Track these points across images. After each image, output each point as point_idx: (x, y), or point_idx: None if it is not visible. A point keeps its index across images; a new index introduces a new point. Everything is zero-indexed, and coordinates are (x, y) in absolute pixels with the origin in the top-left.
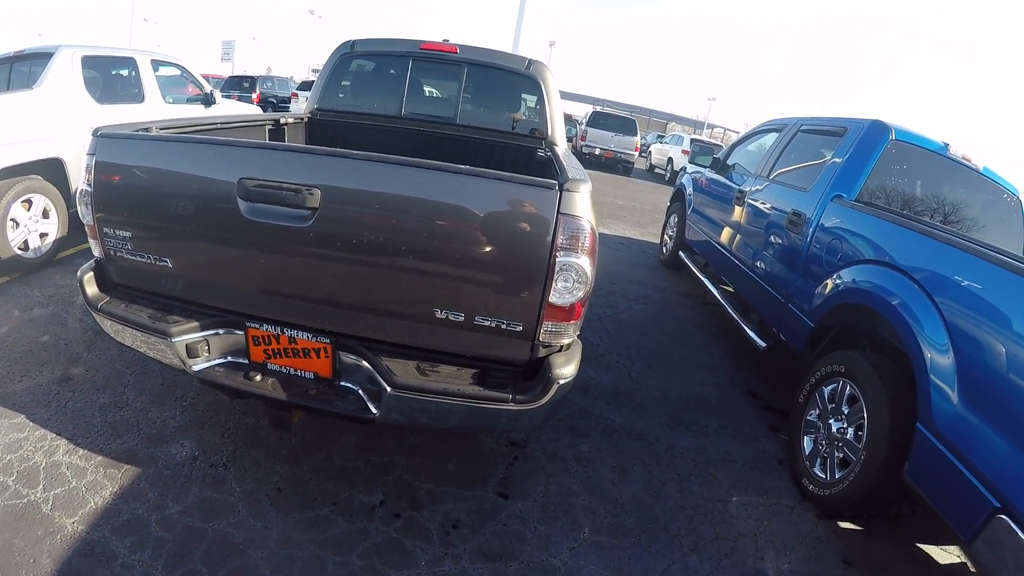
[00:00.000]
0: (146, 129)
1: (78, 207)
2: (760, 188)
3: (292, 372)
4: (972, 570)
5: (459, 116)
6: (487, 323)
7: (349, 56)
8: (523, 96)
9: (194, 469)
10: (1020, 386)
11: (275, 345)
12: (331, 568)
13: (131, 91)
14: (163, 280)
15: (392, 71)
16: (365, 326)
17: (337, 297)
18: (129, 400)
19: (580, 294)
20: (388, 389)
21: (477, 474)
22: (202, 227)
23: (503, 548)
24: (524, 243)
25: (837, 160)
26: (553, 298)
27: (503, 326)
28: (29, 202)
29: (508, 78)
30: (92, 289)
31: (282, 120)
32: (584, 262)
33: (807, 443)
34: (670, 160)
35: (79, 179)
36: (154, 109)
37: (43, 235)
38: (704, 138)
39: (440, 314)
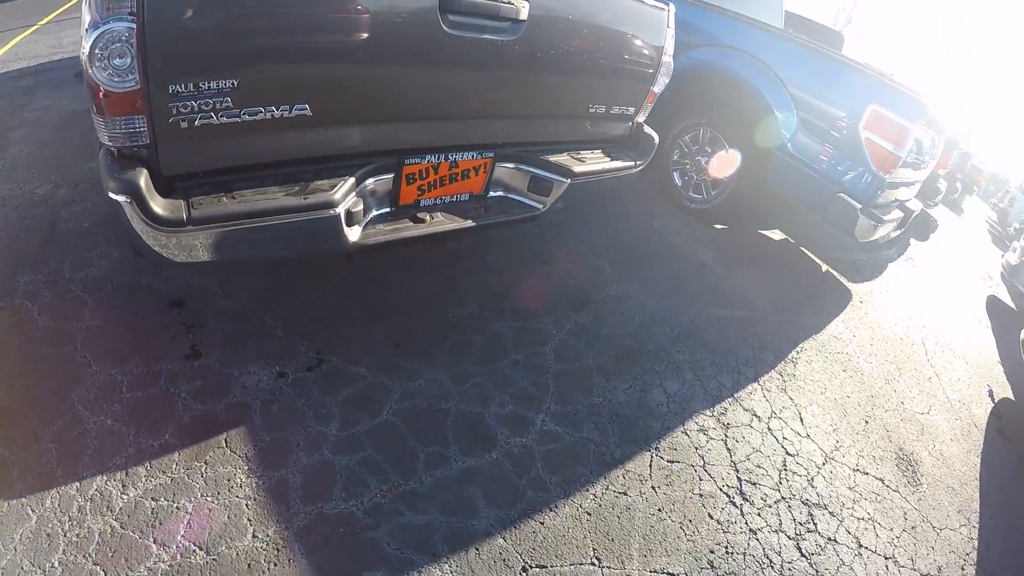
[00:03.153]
0: None
1: (94, 71)
2: None
3: (450, 199)
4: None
5: None
6: (616, 110)
7: None
8: None
9: (282, 385)
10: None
11: (432, 177)
12: (518, 377)
13: None
14: (281, 139)
15: None
16: (523, 133)
17: (507, 110)
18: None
19: (666, 81)
20: (566, 181)
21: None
22: (369, 50)
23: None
24: (650, 47)
25: None
26: (654, 87)
27: (625, 111)
28: None
29: None
30: (160, 202)
31: None
32: (671, 60)
33: (677, 178)
34: None
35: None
36: None
37: None
38: None
39: (592, 108)
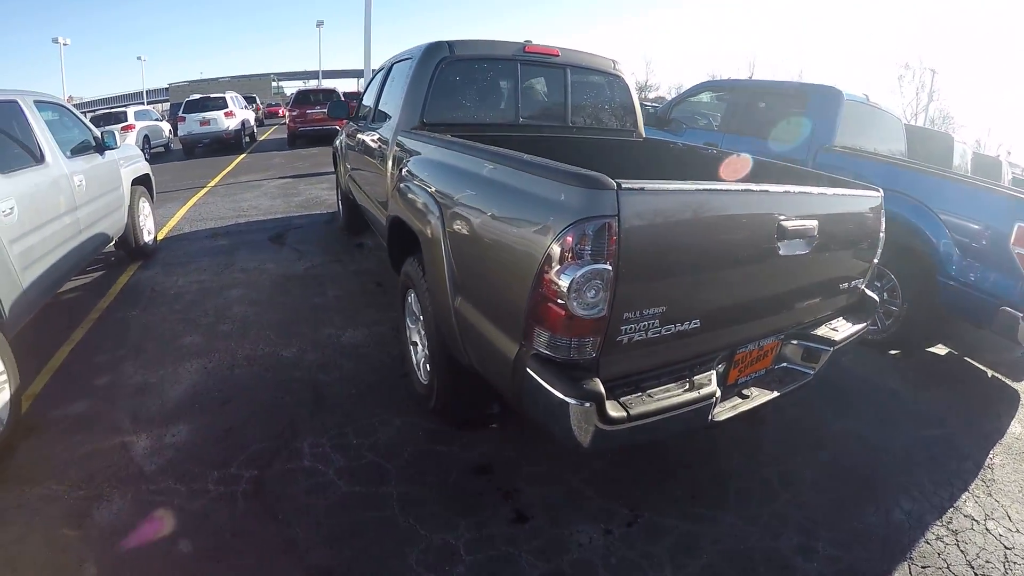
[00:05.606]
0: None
1: (569, 301)
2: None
3: (754, 375)
4: (956, 353)
5: (570, 118)
6: (853, 284)
7: (449, 60)
8: (614, 93)
9: (612, 540)
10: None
11: (748, 359)
12: (793, 512)
13: (25, 149)
14: (677, 345)
15: (500, 76)
16: (798, 316)
17: (793, 301)
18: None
19: (881, 251)
20: (830, 349)
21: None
22: (738, 274)
23: None
24: (873, 226)
25: (812, 120)
26: (875, 259)
27: (857, 283)
28: None
29: (601, 77)
30: (611, 404)
31: None
32: (884, 234)
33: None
34: None
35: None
36: (59, 171)
37: None
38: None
39: (842, 286)
